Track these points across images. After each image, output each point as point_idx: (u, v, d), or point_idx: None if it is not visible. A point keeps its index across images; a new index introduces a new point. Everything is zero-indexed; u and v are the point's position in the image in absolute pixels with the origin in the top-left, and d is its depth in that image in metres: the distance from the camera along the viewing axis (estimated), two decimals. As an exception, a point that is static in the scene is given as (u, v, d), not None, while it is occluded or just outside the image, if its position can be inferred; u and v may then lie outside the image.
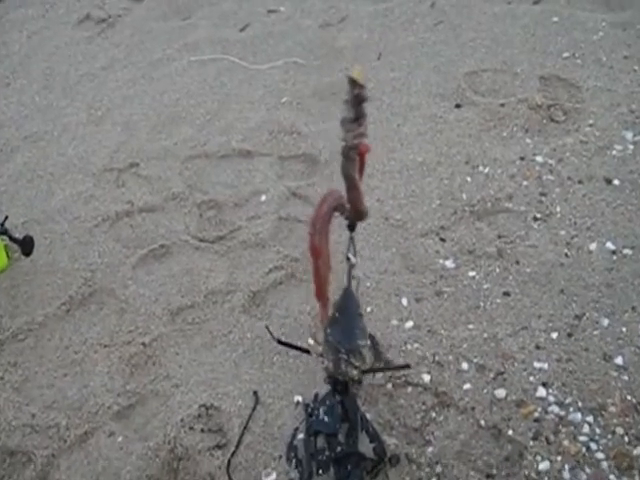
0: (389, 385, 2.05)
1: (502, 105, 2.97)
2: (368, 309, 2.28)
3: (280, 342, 2.06)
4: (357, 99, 1.37)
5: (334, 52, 3.51)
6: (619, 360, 2.04)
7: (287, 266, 2.48)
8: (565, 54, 3.20)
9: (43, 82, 3.69)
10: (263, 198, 2.77)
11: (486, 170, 2.70)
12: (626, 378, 1.99)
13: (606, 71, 3.07)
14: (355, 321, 1.79)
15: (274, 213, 2.69)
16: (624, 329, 2.12)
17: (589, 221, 2.47)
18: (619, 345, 2.08)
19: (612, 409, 1.93)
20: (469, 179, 2.68)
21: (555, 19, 3.42)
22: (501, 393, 2.00)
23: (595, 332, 2.12)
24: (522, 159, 2.73)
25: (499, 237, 2.47)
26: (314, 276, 1.75)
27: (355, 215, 1.69)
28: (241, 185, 2.84)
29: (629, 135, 2.76)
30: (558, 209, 2.52)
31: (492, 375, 2.05)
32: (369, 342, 1.79)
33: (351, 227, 1.75)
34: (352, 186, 1.55)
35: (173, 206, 2.80)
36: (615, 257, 2.34)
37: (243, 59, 3.56)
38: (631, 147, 2.71)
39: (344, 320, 1.79)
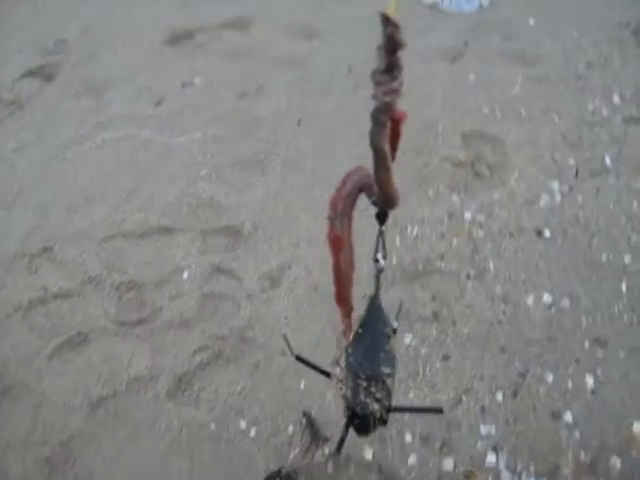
0: (330, 465, 1.91)
1: (426, 164, 2.93)
2: (302, 385, 2.15)
3: (299, 358, 1.79)
4: (391, 42, 1.08)
5: (252, 121, 3.44)
6: (568, 416, 1.96)
7: (213, 345, 2.34)
8: (485, 110, 3.20)
9: (-51, 170, 3.52)
10: (185, 275, 2.63)
11: (415, 231, 2.63)
12: (577, 435, 1.91)
13: (526, 124, 3.09)
14: (381, 342, 1.50)
15: (197, 290, 2.56)
16: (570, 383, 2.04)
17: (524, 275, 2.41)
18: (566, 400, 2.00)
19: (566, 471, 1.83)
20: (398, 241, 2.60)
21: (472, 77, 3.43)
22: (449, 464, 1.88)
23: (541, 389, 2.04)
24: (450, 217, 2.67)
25: (433, 299, 2.38)
26: (334, 274, 1.46)
27: (385, 200, 1.34)
28: (162, 263, 2.70)
29: (555, 185, 2.74)
30: (491, 265, 2.47)
31: (438, 445, 1.93)
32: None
33: (381, 217, 1.41)
34: (381, 162, 1.23)
35: (90, 290, 2.63)
36: (553, 309, 2.29)
37: (159, 134, 3.46)
38: (558, 197, 2.69)
39: (368, 339, 1.50)
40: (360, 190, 1.36)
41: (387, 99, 1.13)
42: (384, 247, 1.47)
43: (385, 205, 1.36)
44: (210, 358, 2.31)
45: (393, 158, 1.24)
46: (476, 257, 2.51)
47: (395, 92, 1.13)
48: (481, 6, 4.04)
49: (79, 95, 3.88)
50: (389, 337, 1.53)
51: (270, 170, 3.10)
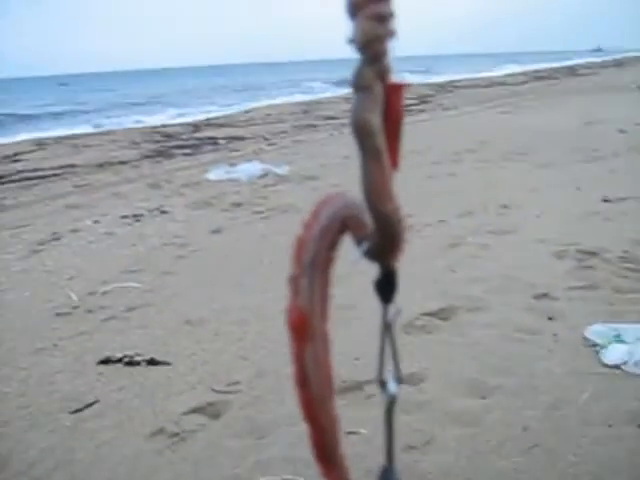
0: None
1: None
2: None
3: None
4: None
5: (417, 477, 3.20)
6: None
7: None
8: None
9: None
10: None
11: None
12: None
13: None
14: None
15: None
16: None
17: None
18: None
19: None
20: None
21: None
22: None
23: None
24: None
25: None
26: (300, 392, 0.79)
27: (383, 231, 0.70)
28: None
29: None
30: None
31: None
32: None
33: (384, 285, 0.75)
34: (369, 151, 0.67)
35: None
36: None
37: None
38: None
39: None
40: (343, 225, 0.76)
41: (375, 32, 0.64)
42: (396, 356, 0.80)
43: (386, 243, 0.72)
44: None
45: (393, 153, 0.70)
46: None
47: (384, 19, 0.64)
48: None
49: (241, 434, 3.85)
50: None
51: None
